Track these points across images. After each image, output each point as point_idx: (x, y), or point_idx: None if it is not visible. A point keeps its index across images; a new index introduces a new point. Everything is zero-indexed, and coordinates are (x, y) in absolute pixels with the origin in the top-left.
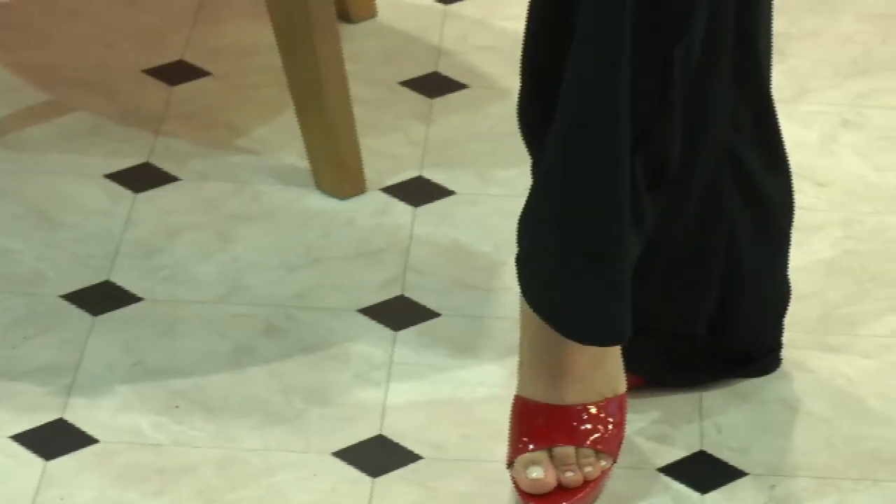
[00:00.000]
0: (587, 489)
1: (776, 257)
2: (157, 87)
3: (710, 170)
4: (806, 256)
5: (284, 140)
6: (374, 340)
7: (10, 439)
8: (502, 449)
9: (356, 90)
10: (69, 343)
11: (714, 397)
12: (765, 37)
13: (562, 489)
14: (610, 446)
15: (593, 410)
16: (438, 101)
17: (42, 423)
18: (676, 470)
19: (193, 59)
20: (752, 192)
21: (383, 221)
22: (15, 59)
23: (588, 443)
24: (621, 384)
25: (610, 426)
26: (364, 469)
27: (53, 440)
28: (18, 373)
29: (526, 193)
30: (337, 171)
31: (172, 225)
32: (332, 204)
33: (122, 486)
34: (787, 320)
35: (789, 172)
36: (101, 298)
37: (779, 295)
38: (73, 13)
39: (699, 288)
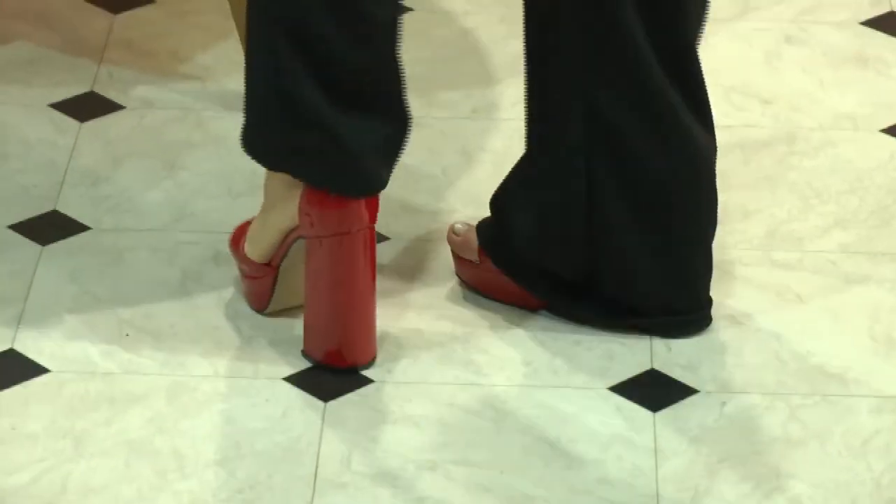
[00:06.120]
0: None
1: (660, 231)
2: (99, 15)
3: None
4: (752, 173)
5: (227, 66)
6: None
7: None
8: (452, 371)
9: None
10: (17, 273)
11: None
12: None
13: None
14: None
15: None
16: None
17: None
18: (627, 389)
19: None
20: (623, 156)
21: None
22: None
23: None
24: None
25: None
26: (315, 393)
27: (3, 370)
28: None
29: (471, 115)
30: None
31: (118, 153)
32: None
33: (73, 416)
34: (736, 238)
35: (690, 139)
36: (49, 228)
37: (693, 271)
38: None
39: (558, 233)
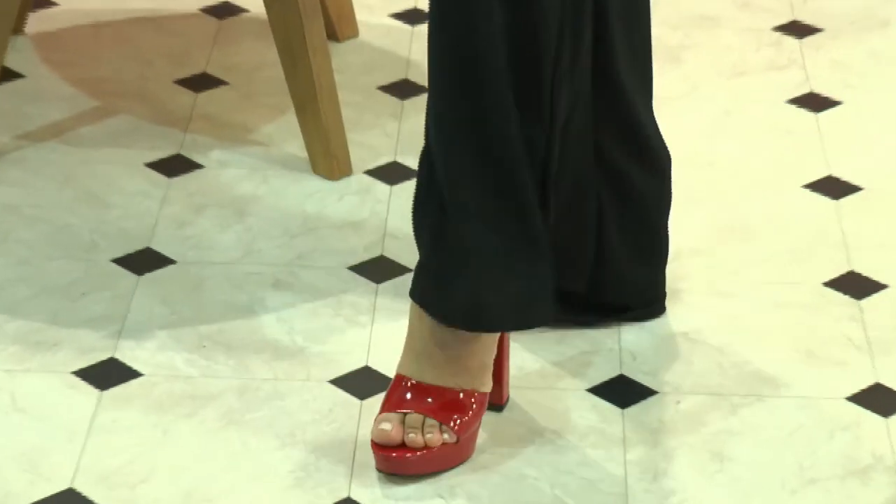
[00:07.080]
0: (422, 451)
1: (645, 242)
2: (185, 95)
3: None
4: (698, 220)
5: (287, 135)
6: (361, 292)
7: (72, 374)
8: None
9: (343, 95)
10: (118, 297)
11: (629, 332)
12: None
13: (404, 447)
14: (459, 426)
15: (447, 394)
16: (408, 102)
17: (97, 361)
18: (601, 390)
19: (213, 72)
20: (622, 188)
21: (366, 197)
22: (71, 75)
23: (436, 416)
24: (481, 385)
25: (461, 411)
26: (354, 393)
27: (107, 374)
28: (78, 321)
29: None
30: (328, 158)
31: (199, 203)
32: (324, 185)
33: (162, 411)
34: (685, 271)
35: (661, 168)
36: (144, 262)
37: (660, 273)
38: (115, 37)
39: (576, 259)
